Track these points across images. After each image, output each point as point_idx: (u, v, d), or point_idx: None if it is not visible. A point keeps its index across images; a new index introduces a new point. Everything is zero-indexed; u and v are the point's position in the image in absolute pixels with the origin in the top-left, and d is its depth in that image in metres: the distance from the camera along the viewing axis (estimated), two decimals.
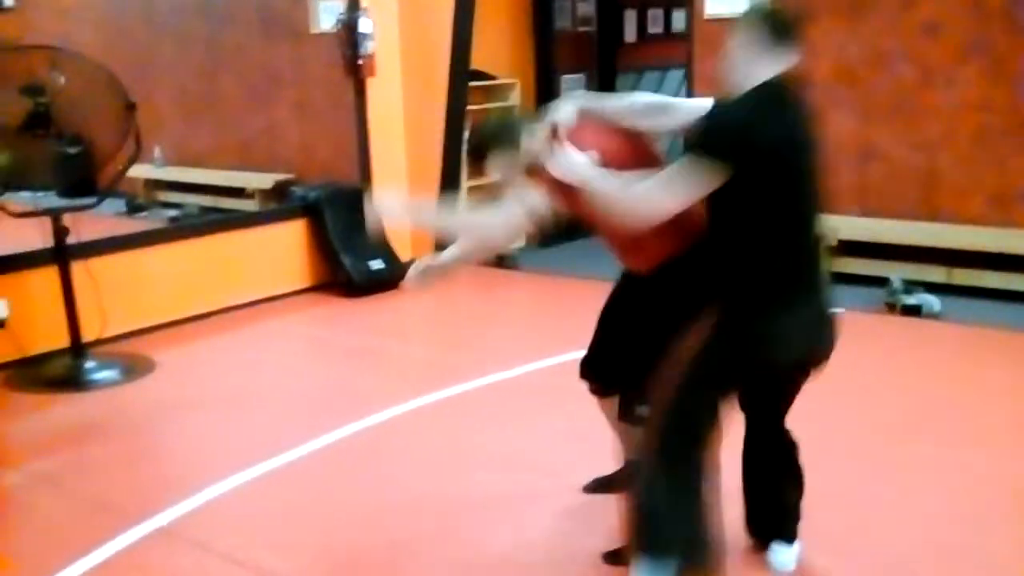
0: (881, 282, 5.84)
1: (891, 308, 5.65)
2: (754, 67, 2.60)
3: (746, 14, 2.68)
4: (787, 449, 3.03)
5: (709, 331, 2.63)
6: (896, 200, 6.21)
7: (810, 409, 4.29)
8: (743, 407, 2.92)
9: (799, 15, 2.67)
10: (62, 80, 4.78)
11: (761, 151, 2.48)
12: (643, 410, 2.83)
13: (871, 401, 4.42)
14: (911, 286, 5.71)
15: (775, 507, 3.07)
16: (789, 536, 3.05)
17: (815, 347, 2.80)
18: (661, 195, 2.54)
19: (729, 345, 2.62)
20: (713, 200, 2.56)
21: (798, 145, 2.61)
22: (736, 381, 2.73)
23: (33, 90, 4.71)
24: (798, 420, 4.17)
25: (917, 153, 6.11)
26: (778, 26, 2.61)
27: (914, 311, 5.56)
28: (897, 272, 5.84)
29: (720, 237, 2.65)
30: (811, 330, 2.75)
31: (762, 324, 2.61)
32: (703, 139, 2.56)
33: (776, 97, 2.61)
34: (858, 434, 4.05)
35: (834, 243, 6.16)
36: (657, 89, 9.08)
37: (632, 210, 2.59)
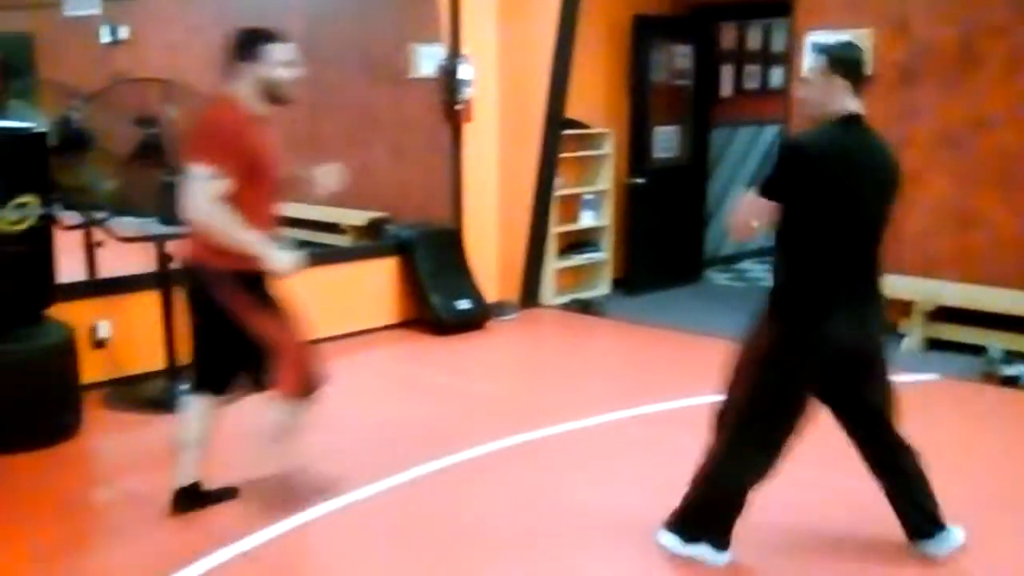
0: (979, 351, 5.68)
1: (988, 378, 5.48)
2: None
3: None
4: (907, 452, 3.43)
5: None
6: (997, 267, 6.05)
7: None
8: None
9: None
10: (174, 112, 4.95)
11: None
12: None
13: (964, 472, 4.28)
14: (1010, 356, 5.54)
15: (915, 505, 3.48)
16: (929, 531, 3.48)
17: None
18: None
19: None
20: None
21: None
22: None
23: (145, 121, 4.89)
24: None
25: (1020, 220, 5.96)
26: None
27: (1012, 382, 5.39)
28: (996, 341, 5.67)
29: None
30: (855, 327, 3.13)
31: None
32: None
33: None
34: (947, 503, 3.92)
35: (933, 309, 6.04)
36: (751, 144, 9.05)
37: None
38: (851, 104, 3.14)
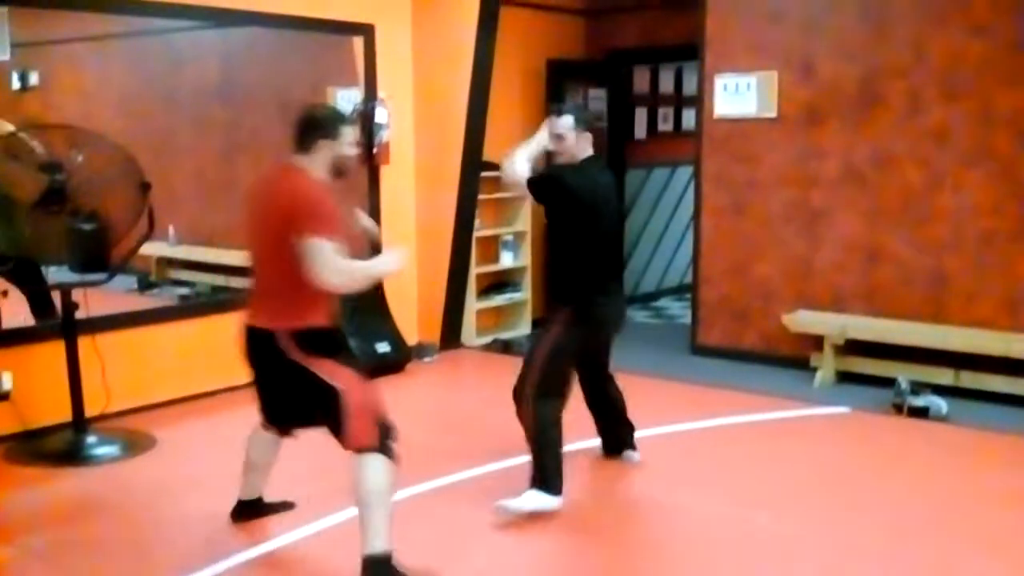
0: (888, 383, 5.81)
1: (898, 409, 5.61)
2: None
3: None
4: (615, 386, 4.75)
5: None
6: (904, 301, 6.22)
7: (814, 508, 4.26)
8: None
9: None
10: (80, 158, 4.86)
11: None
12: None
13: (875, 502, 4.36)
14: (919, 387, 5.68)
15: (624, 426, 4.79)
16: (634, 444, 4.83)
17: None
18: None
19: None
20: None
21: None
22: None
23: (51, 167, 4.79)
24: (800, 516, 4.13)
25: (925, 255, 6.14)
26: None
27: (921, 413, 5.52)
28: (904, 373, 5.81)
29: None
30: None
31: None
32: None
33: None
34: (860, 535, 3.98)
35: (842, 342, 6.17)
36: (666, 184, 9.20)
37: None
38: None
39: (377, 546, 3.35)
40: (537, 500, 4.10)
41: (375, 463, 3.37)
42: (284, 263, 3.37)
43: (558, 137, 4.30)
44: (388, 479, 3.40)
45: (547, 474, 4.12)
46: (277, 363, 3.47)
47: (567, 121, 4.31)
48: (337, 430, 3.41)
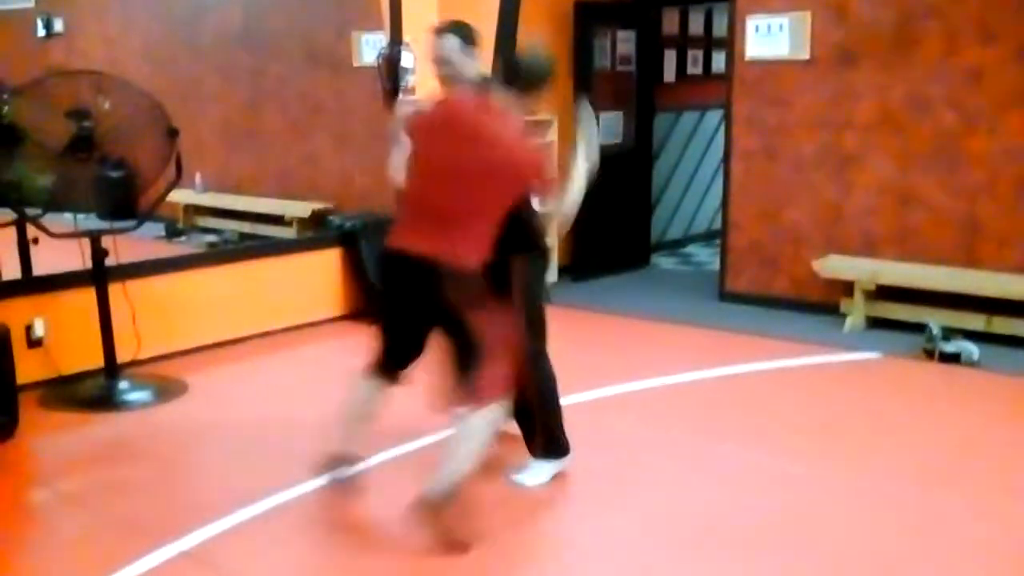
0: (919, 328, 5.76)
1: (929, 355, 5.56)
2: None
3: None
4: None
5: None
6: (936, 246, 6.14)
7: (844, 454, 4.25)
8: None
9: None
10: (107, 105, 4.85)
11: None
12: None
13: (906, 448, 4.34)
14: (950, 333, 5.62)
15: None
16: None
17: None
18: None
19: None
20: None
21: None
22: None
23: (78, 114, 4.78)
24: (830, 463, 4.12)
25: (958, 200, 6.04)
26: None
27: (953, 359, 5.47)
28: (936, 319, 5.75)
29: None
30: None
31: None
32: None
33: None
34: (891, 480, 3.97)
35: (873, 287, 6.11)
36: (695, 128, 9.09)
37: None
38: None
39: (437, 489, 3.30)
40: (551, 468, 3.94)
41: (490, 413, 3.35)
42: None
43: (443, 62, 3.80)
44: (489, 434, 3.38)
45: (554, 434, 3.93)
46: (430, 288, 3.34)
47: (452, 42, 3.80)
48: (468, 369, 3.37)
